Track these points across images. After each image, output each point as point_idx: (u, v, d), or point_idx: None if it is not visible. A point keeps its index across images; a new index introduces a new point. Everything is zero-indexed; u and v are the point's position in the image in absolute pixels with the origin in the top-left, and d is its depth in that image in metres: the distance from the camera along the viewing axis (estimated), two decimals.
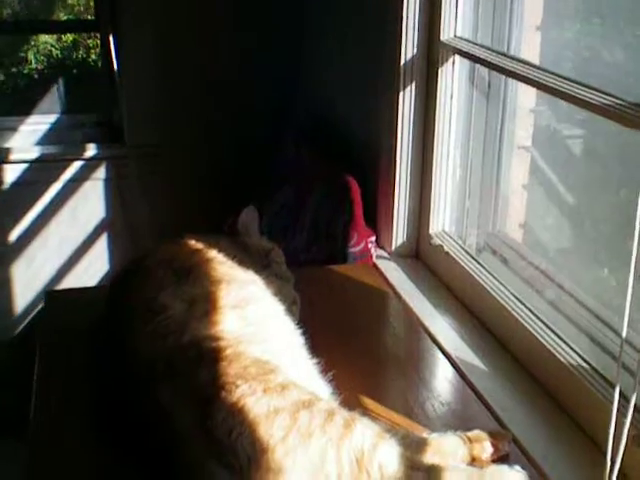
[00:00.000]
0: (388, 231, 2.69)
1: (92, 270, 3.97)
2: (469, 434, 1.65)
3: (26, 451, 1.73)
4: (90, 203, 3.95)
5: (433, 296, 2.46)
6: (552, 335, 2.02)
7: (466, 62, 2.46)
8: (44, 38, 4.58)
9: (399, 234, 2.68)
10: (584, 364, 1.88)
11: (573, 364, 1.89)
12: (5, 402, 3.54)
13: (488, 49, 2.31)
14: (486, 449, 1.65)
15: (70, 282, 3.94)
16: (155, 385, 1.63)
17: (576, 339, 2.00)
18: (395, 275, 2.58)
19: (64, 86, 4.44)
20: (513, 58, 2.21)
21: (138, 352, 1.73)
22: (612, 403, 1.40)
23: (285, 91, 3.83)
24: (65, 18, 4.62)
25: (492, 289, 2.26)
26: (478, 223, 2.58)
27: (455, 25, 2.44)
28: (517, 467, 1.59)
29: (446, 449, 1.61)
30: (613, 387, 1.71)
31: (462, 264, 2.41)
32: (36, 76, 4.57)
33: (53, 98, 4.37)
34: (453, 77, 2.47)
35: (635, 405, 1.40)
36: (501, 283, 2.28)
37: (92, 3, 4.16)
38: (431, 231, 2.60)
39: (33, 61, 4.56)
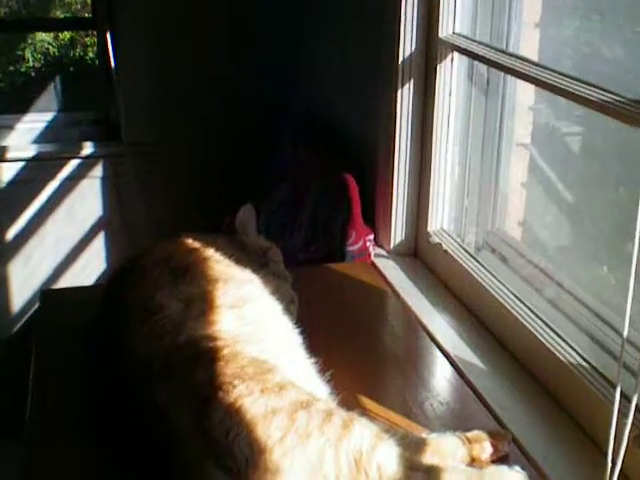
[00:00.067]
0: (386, 229, 2.68)
1: (89, 269, 3.96)
2: (468, 434, 1.65)
3: (22, 451, 1.72)
4: (87, 201, 3.94)
5: (432, 294, 2.45)
6: (551, 333, 2.01)
7: (465, 59, 2.45)
8: (41, 36, 4.57)
9: (397, 232, 2.67)
10: (584, 363, 1.87)
11: (573, 363, 1.88)
12: (2, 402, 3.53)
13: (487, 46, 2.30)
14: (486, 449, 1.64)
15: (67, 281, 3.93)
16: (151, 385, 1.62)
17: (576, 338, 1.99)
18: (393, 273, 2.57)
19: (61, 84, 4.44)
20: (512, 55, 2.20)
21: (134, 352, 1.71)
22: (612, 403, 1.39)
23: (283, 89, 3.82)
24: (62, 16, 4.61)
25: (491, 287, 2.25)
26: (477, 221, 2.57)
27: (454, 22, 2.43)
28: (517, 467, 1.58)
29: (445, 449, 1.60)
30: (613, 386, 1.70)
31: (461, 262, 2.40)
32: (33, 74, 4.57)
33: (50, 96, 4.36)
34: (452, 74, 2.46)
35: (636, 406, 1.39)
36: (500, 281, 2.27)
37: (89, 1, 4.15)
38: (429, 229, 2.59)
39: (30, 59, 4.55)
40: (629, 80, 1.98)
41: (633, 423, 1.39)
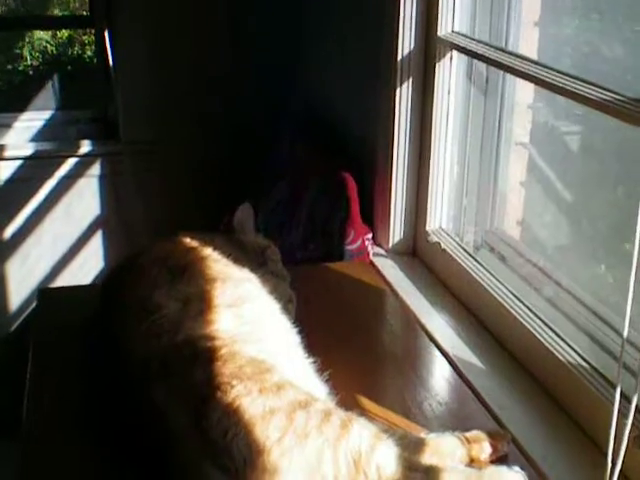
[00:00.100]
0: (385, 228, 2.67)
1: (87, 267, 3.96)
2: (467, 434, 1.64)
3: (19, 450, 1.71)
4: (85, 200, 3.94)
5: (430, 294, 2.45)
6: (550, 333, 2.00)
7: (464, 58, 2.45)
8: (39, 34, 4.57)
9: (396, 231, 2.66)
10: (583, 363, 1.87)
11: (572, 362, 1.88)
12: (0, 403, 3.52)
13: (486, 44, 2.29)
14: (485, 449, 1.64)
15: (65, 279, 3.92)
16: (149, 384, 1.62)
17: (575, 337, 1.99)
18: (392, 273, 2.56)
19: (59, 82, 4.43)
20: (511, 54, 2.20)
21: (132, 351, 1.71)
22: (612, 403, 1.39)
23: (282, 88, 3.81)
24: (60, 14, 4.60)
25: (490, 287, 2.25)
26: (476, 220, 2.56)
27: (453, 20, 2.42)
28: (516, 468, 1.57)
29: (444, 450, 1.60)
30: (613, 386, 1.70)
31: (459, 261, 2.40)
32: (31, 72, 4.56)
33: (48, 94, 4.35)
34: (450, 73, 2.46)
35: (636, 406, 1.38)
36: (499, 280, 2.27)
37: None
38: (428, 228, 2.58)
39: (28, 57, 4.55)
40: (628, 79, 1.98)
41: (633, 424, 1.38)
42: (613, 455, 1.36)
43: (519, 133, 2.51)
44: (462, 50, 2.37)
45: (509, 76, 2.37)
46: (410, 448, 1.56)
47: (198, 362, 1.59)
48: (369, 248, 2.66)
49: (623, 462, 1.36)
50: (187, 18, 3.77)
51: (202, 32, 3.79)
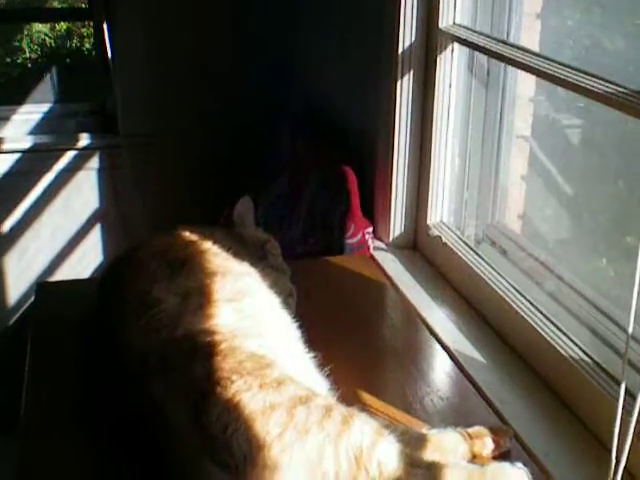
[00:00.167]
0: (385, 222, 2.66)
1: (86, 261, 3.94)
2: (470, 430, 1.63)
3: (17, 446, 1.70)
4: (83, 193, 3.93)
5: (431, 287, 2.44)
6: (552, 327, 1.99)
7: (465, 50, 2.43)
8: (38, 27, 4.57)
9: (396, 225, 2.65)
10: (585, 357, 1.86)
11: (574, 357, 1.87)
12: None
13: (487, 37, 2.28)
14: (487, 445, 1.63)
15: (63, 273, 3.91)
16: (148, 379, 1.60)
17: (576, 331, 1.98)
18: (392, 266, 2.55)
19: (57, 75, 4.42)
20: (513, 46, 2.18)
21: (131, 345, 1.70)
22: (615, 398, 1.38)
23: (280, 80, 3.79)
24: (59, 6, 4.59)
25: (491, 280, 2.24)
26: (477, 214, 2.56)
27: (454, 12, 2.41)
28: (519, 464, 1.56)
29: (446, 446, 1.59)
30: (616, 381, 1.70)
31: (460, 255, 2.39)
32: (29, 65, 4.56)
33: (46, 87, 4.35)
34: (452, 65, 2.44)
35: None
36: (500, 274, 2.26)
37: None
38: (429, 222, 2.57)
39: (27, 50, 4.54)
40: (630, 72, 1.97)
41: (638, 420, 1.36)
42: (617, 452, 1.35)
43: (520, 126, 2.50)
44: (463, 42, 2.35)
45: (510, 69, 2.36)
46: (412, 444, 1.55)
47: (197, 357, 1.58)
48: (369, 242, 2.65)
49: (627, 459, 1.35)
50: (186, 11, 3.76)
51: (201, 25, 3.78)
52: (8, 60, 4.58)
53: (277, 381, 1.53)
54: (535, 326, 2.01)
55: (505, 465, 1.55)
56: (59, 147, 3.89)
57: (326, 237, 2.73)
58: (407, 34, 2.46)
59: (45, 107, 4.14)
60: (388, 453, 1.48)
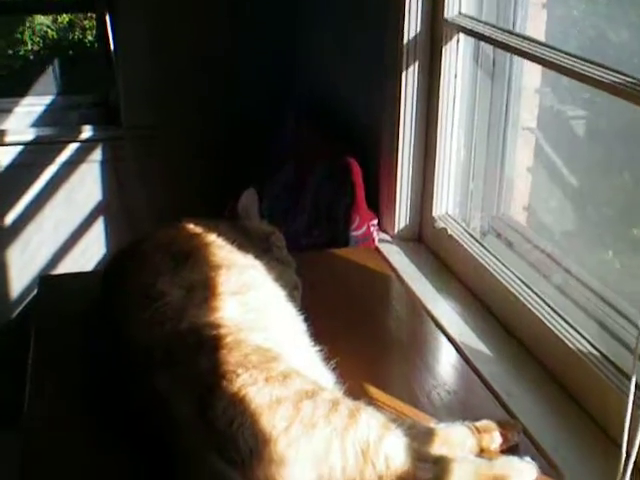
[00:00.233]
0: (390, 214, 2.65)
1: (89, 254, 3.94)
2: (477, 424, 1.62)
3: (21, 439, 1.70)
4: (86, 186, 3.92)
5: (436, 280, 2.43)
6: (560, 320, 1.98)
7: (470, 40, 2.42)
8: (40, 19, 4.56)
9: (402, 217, 2.64)
10: (594, 350, 1.84)
11: (582, 350, 1.85)
12: (1, 390, 3.50)
13: (493, 27, 2.26)
14: (495, 439, 1.62)
15: (66, 266, 3.90)
16: (152, 372, 1.60)
17: (584, 324, 1.97)
18: (398, 259, 2.54)
19: (60, 67, 4.41)
20: (519, 36, 2.16)
21: (135, 339, 1.69)
22: (624, 392, 1.38)
23: (284, 70, 3.78)
24: None
25: (497, 272, 2.23)
26: (482, 206, 2.54)
27: (459, 2, 2.39)
28: (527, 458, 1.55)
29: (454, 440, 1.58)
30: (625, 375, 1.69)
31: (466, 247, 2.38)
32: (32, 57, 4.54)
33: (49, 79, 4.34)
34: (457, 56, 2.42)
35: None
36: (506, 266, 2.25)
37: None
38: (434, 214, 2.56)
39: (29, 42, 4.53)
40: (635, 63, 1.96)
41: None
42: (628, 446, 1.34)
43: (526, 118, 2.49)
44: (469, 33, 2.33)
45: (516, 59, 2.35)
46: (419, 438, 1.54)
47: (203, 350, 1.58)
48: (374, 234, 2.64)
49: (638, 453, 1.34)
50: (188, 2, 3.74)
51: (203, 16, 3.76)
52: (10, 52, 4.56)
53: (283, 375, 1.52)
54: (542, 318, 2.00)
55: (513, 459, 1.54)
56: (62, 139, 3.88)
57: (331, 229, 2.72)
58: (412, 24, 2.44)
59: (48, 99, 4.13)
60: (395, 447, 1.47)
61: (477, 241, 2.39)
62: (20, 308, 3.96)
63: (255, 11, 3.77)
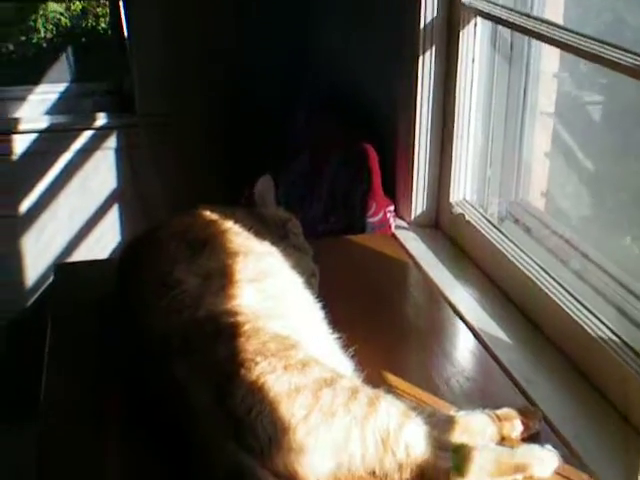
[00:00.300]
0: (407, 200, 2.63)
1: (104, 241, 3.93)
2: (498, 412, 1.61)
3: (38, 428, 1.70)
4: (100, 173, 3.91)
5: (454, 266, 2.41)
6: (579, 306, 1.96)
7: (488, 25, 2.39)
8: (53, 7, 4.55)
9: (418, 203, 2.62)
10: (613, 337, 1.83)
11: (602, 337, 1.84)
12: (16, 379, 3.51)
13: (511, 10, 2.23)
14: (516, 427, 1.60)
15: (81, 254, 3.91)
16: (170, 360, 1.59)
17: (603, 310, 1.95)
18: (414, 245, 2.52)
19: (73, 55, 4.41)
20: (537, 19, 2.14)
21: (152, 327, 1.68)
22: None
23: (299, 58, 3.76)
24: None
25: (515, 259, 2.21)
26: (500, 191, 2.53)
27: None
28: (549, 446, 1.54)
29: (474, 428, 1.57)
30: None
31: (484, 233, 2.36)
32: (45, 45, 4.54)
33: (62, 67, 4.34)
34: (475, 40, 2.40)
35: None
36: (524, 252, 2.23)
37: None
38: (451, 200, 2.54)
39: (42, 30, 4.52)
40: None
41: None
42: None
43: (544, 102, 2.47)
44: (486, 16, 2.31)
45: (534, 43, 2.33)
46: (439, 426, 1.53)
47: (221, 338, 1.57)
48: (391, 220, 2.62)
49: None
50: None
51: (218, 2, 3.74)
52: (23, 39, 4.55)
53: (302, 363, 1.51)
54: (561, 304, 1.98)
55: (535, 447, 1.53)
56: (76, 127, 3.87)
57: (347, 216, 2.71)
58: (429, 8, 2.42)
59: (61, 87, 4.13)
60: (415, 435, 1.46)
61: (495, 227, 2.37)
62: (35, 296, 3.96)
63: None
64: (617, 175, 2.26)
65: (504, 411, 1.61)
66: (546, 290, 2.05)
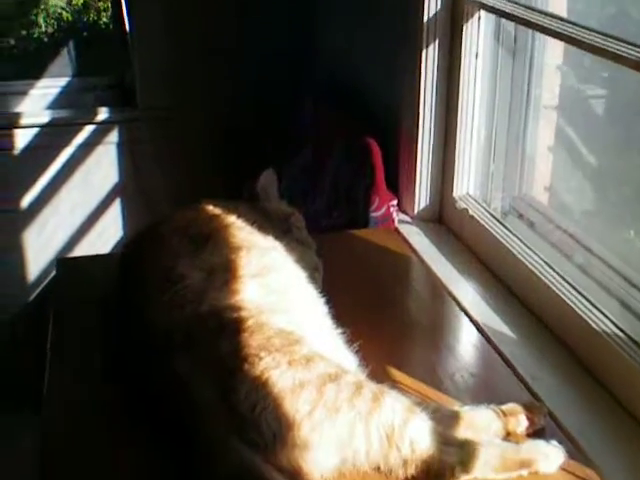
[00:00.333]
0: (410, 195, 2.62)
1: (105, 236, 3.93)
2: (503, 407, 1.61)
3: (41, 422, 1.70)
4: (102, 168, 3.90)
5: (457, 261, 2.41)
6: (583, 301, 1.96)
7: (491, 18, 2.39)
8: (54, 1, 4.53)
9: (422, 198, 2.61)
10: (618, 332, 1.82)
11: (607, 332, 1.83)
12: (20, 372, 3.51)
13: (515, 3, 2.22)
14: (521, 423, 1.60)
15: (83, 249, 3.90)
16: (173, 355, 1.58)
17: (608, 305, 1.95)
18: (418, 240, 2.52)
19: (75, 49, 4.39)
20: (540, 12, 2.13)
21: (155, 322, 1.67)
22: None
23: (302, 52, 3.75)
24: None
25: (519, 253, 2.21)
26: (503, 186, 2.53)
27: None
28: (554, 442, 1.53)
29: (479, 423, 1.57)
30: None
31: (487, 227, 2.35)
32: (46, 39, 4.52)
33: (64, 61, 4.33)
34: (478, 34, 2.39)
35: None
36: (528, 247, 2.22)
37: None
38: (455, 194, 2.53)
39: (43, 25, 4.51)
40: None
41: None
42: None
43: (547, 96, 2.46)
44: (490, 9, 2.30)
45: (538, 37, 2.32)
46: (444, 422, 1.53)
47: (224, 334, 1.56)
48: (394, 215, 2.62)
49: None
50: None
51: None
52: (24, 33, 4.54)
53: (306, 358, 1.51)
54: (565, 299, 1.98)
55: (540, 443, 1.53)
56: (77, 121, 3.86)
57: (350, 210, 2.70)
58: (432, 2, 2.40)
59: (63, 81, 4.13)
60: (420, 431, 1.46)
61: (498, 221, 2.37)
62: (37, 291, 3.96)
63: None
64: (620, 169, 2.26)
65: (509, 406, 1.61)
66: (550, 284, 2.05)
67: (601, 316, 1.88)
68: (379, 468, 1.46)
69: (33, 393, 1.96)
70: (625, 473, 1.57)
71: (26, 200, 3.87)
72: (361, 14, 3.15)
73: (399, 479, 1.46)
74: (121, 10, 3.87)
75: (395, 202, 2.64)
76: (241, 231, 1.87)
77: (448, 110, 2.51)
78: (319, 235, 2.22)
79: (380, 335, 1.91)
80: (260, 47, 3.75)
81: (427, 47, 2.44)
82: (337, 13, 3.48)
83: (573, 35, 1.92)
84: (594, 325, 1.86)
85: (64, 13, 4.57)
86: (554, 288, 2.03)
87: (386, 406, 1.46)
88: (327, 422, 1.43)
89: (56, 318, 2.07)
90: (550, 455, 1.51)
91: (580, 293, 1.98)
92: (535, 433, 1.60)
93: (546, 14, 2.10)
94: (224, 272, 1.71)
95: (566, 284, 2.03)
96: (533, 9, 2.18)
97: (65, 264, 2.59)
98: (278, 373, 1.47)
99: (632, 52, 1.71)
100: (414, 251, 2.45)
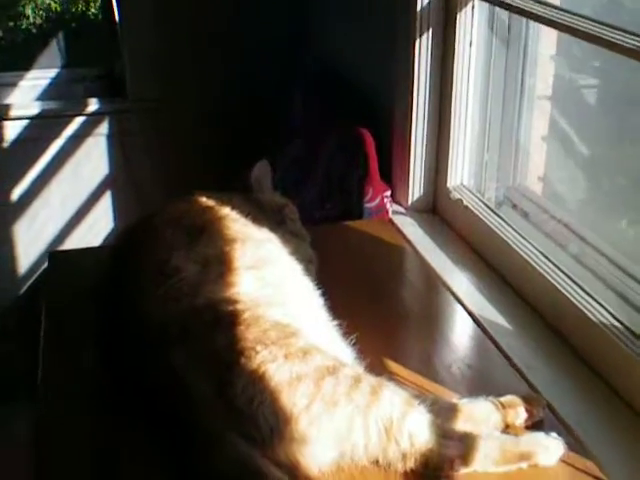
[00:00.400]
0: (404, 185, 2.62)
1: (96, 228, 3.91)
2: (502, 399, 1.60)
3: (35, 411, 1.70)
4: (93, 160, 3.89)
5: (452, 251, 2.40)
6: (579, 290, 1.96)
7: (485, 7, 2.38)
8: None
9: (415, 188, 2.61)
10: (615, 322, 1.82)
11: (603, 321, 1.83)
12: (14, 363, 3.51)
13: None
14: (520, 415, 1.59)
15: (74, 241, 3.88)
16: (168, 349, 1.57)
17: (603, 294, 1.95)
18: (412, 230, 2.51)
19: (64, 40, 4.37)
20: (534, 0, 2.12)
21: (149, 315, 1.65)
22: None
23: (294, 41, 3.73)
24: None
25: (513, 243, 2.21)
26: (497, 176, 2.52)
27: None
28: (553, 434, 1.52)
29: (478, 416, 1.56)
30: None
31: (482, 218, 2.35)
32: (34, 31, 4.50)
33: (53, 52, 4.31)
34: (472, 23, 2.38)
35: None
36: (522, 237, 2.22)
37: None
38: (449, 185, 2.52)
39: (31, 16, 4.48)
40: None
41: None
42: None
43: (541, 86, 2.46)
44: None
45: (532, 25, 2.31)
46: (443, 414, 1.52)
47: (220, 327, 1.55)
48: (388, 206, 2.61)
49: None
50: None
51: None
52: (12, 25, 4.52)
53: (303, 351, 1.49)
54: (560, 288, 1.98)
55: (540, 435, 1.53)
56: (67, 113, 3.85)
57: (344, 201, 2.69)
58: None
59: (52, 72, 4.11)
60: (419, 424, 1.45)
61: (493, 212, 2.36)
62: (28, 284, 3.94)
63: None
64: (613, 159, 2.26)
65: (508, 398, 1.60)
66: (544, 274, 2.05)
67: (596, 305, 1.88)
68: (378, 462, 1.45)
69: (26, 383, 1.96)
70: (622, 463, 1.56)
71: (16, 193, 3.85)
72: (354, 4, 3.14)
73: (398, 473, 1.45)
74: (110, 0, 3.84)
75: (389, 193, 2.63)
76: (235, 223, 1.85)
77: (442, 100, 2.50)
78: (313, 227, 2.21)
79: (375, 326, 1.90)
80: (251, 36, 3.74)
81: (421, 36, 2.43)
82: (331, 3, 3.47)
83: (567, 23, 1.92)
84: (589, 314, 1.86)
85: (52, 4, 4.55)
86: (548, 277, 2.03)
87: (384, 399, 1.45)
88: (325, 416, 1.42)
89: (49, 311, 2.06)
90: (550, 447, 1.50)
91: (575, 282, 1.98)
92: (534, 425, 1.59)
93: (540, 2, 2.09)
94: (219, 264, 1.69)
95: (560, 273, 2.03)
96: None
97: (57, 257, 2.58)
98: (275, 366, 1.46)
99: (627, 40, 1.71)
100: (408, 242, 2.45)
